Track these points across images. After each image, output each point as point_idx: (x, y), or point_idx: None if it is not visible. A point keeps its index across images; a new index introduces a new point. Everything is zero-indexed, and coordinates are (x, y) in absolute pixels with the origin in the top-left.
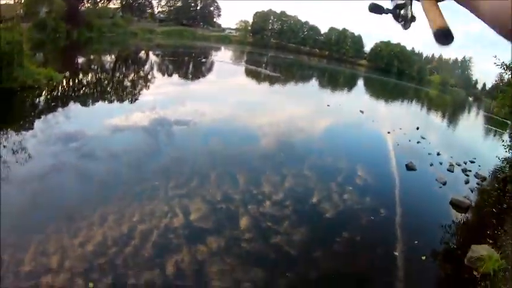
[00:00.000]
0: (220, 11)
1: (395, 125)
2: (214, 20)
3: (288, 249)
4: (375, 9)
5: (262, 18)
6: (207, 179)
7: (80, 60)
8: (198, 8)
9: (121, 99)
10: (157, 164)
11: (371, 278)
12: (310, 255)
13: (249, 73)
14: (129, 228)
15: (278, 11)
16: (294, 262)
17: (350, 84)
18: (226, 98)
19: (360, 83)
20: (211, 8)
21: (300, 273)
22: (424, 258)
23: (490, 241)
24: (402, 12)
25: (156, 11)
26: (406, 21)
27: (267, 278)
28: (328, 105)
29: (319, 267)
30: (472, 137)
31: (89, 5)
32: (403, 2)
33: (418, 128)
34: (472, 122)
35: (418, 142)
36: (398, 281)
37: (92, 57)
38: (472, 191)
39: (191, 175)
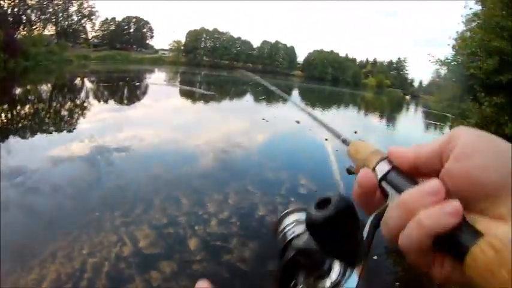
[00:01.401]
0: (153, 33)
1: None
2: (147, 41)
3: (240, 265)
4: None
5: (194, 36)
6: (151, 205)
7: (17, 91)
8: (131, 30)
9: (59, 130)
10: (101, 194)
11: None
12: (263, 269)
13: (184, 94)
14: (81, 262)
15: (211, 29)
16: (248, 277)
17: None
18: (162, 121)
19: (295, 93)
20: (144, 30)
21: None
22: (375, 258)
23: None
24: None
25: (90, 36)
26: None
27: None
28: (263, 119)
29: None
30: (411, 134)
31: (24, 32)
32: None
33: (356, 132)
34: (411, 119)
35: None
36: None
37: (28, 87)
38: None
39: (135, 202)
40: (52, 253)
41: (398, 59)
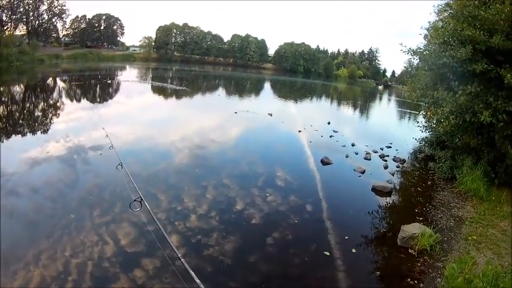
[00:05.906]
0: (123, 29)
1: (306, 123)
2: (118, 39)
3: (222, 258)
4: None
5: (165, 32)
6: (128, 203)
7: None
8: (102, 28)
9: (34, 131)
10: (78, 194)
11: (305, 277)
12: (245, 262)
13: (156, 90)
14: (64, 264)
15: (181, 24)
16: (230, 271)
17: (257, 89)
18: (135, 118)
19: (267, 86)
20: (115, 27)
21: (239, 281)
22: (354, 251)
23: (420, 218)
24: None
25: (61, 34)
26: None
27: None
28: (235, 113)
29: (256, 272)
30: (385, 124)
31: None
32: None
33: (329, 123)
34: (384, 109)
35: (330, 136)
36: (332, 279)
37: (1, 89)
38: (393, 175)
39: (113, 200)
40: (35, 256)
41: (370, 49)
